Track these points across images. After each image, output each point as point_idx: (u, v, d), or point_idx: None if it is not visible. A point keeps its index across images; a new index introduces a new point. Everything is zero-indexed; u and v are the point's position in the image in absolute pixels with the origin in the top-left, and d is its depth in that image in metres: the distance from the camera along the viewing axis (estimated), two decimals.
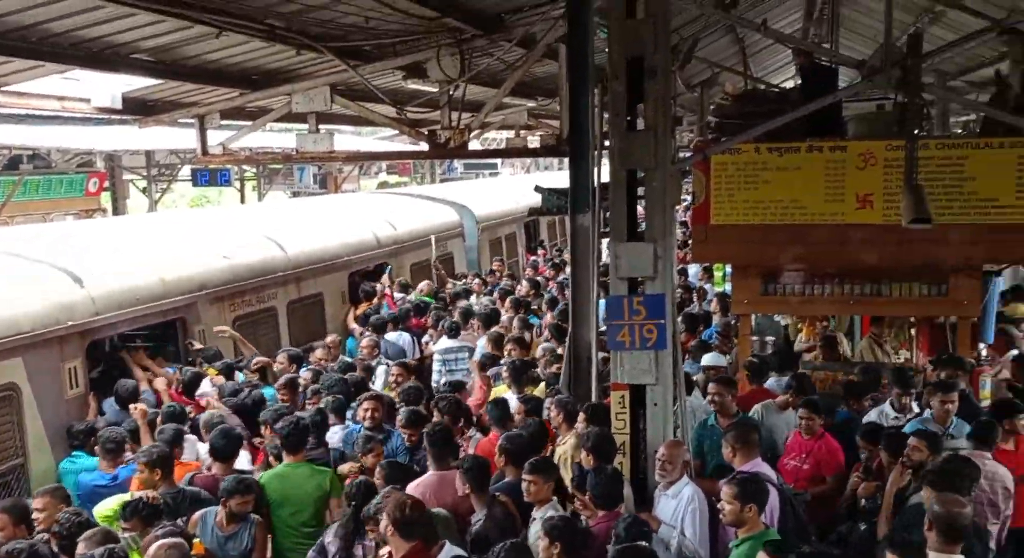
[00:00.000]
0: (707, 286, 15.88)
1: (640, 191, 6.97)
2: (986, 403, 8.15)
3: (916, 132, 7.43)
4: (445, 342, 10.98)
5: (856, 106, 9.24)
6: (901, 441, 6.80)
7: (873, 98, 9.04)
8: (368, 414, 7.91)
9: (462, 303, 13.19)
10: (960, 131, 18.64)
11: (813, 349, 11.13)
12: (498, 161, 47.11)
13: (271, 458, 7.34)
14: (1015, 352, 9.69)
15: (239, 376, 9.44)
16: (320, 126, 9.15)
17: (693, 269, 17.10)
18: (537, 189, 8.46)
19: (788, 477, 7.55)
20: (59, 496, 6.30)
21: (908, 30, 12.76)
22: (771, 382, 9.34)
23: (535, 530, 5.89)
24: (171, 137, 20.48)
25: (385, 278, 13.82)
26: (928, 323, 10.41)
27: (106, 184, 25.35)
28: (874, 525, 6.49)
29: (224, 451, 7.00)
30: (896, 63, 7.00)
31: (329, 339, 10.97)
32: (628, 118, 6.71)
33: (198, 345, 9.75)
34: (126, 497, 6.29)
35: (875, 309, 10.14)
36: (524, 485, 6.17)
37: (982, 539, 5.90)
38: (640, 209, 7.00)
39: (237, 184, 30.77)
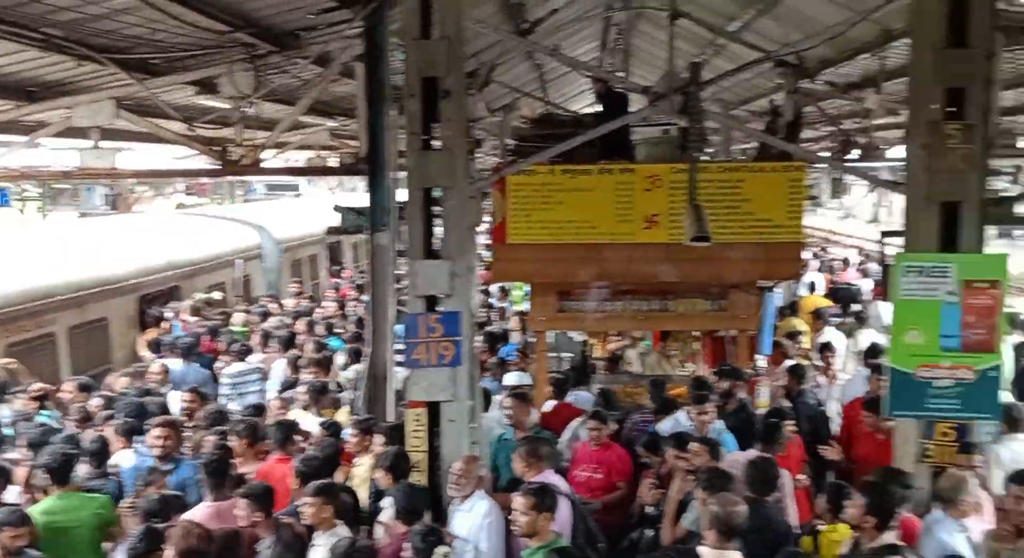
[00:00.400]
0: (506, 305, 16.19)
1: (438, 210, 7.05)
2: (761, 411, 8.68)
3: (697, 155, 7.88)
4: (236, 366, 10.66)
5: (644, 131, 9.72)
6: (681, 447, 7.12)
7: (660, 123, 9.54)
8: (159, 442, 7.47)
9: (264, 325, 12.87)
10: (743, 157, 19.93)
11: (615, 360, 11.61)
12: (301, 182, 46.31)
13: (36, 493, 6.87)
14: (790, 363, 10.38)
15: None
16: (106, 143, 8.72)
17: (495, 288, 17.39)
18: (336, 208, 8.39)
19: (581, 488, 7.77)
20: None
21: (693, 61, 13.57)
22: (571, 397, 9.59)
23: (318, 556, 5.82)
24: None
25: (180, 304, 13.29)
26: (711, 337, 11.03)
27: None
28: (659, 531, 6.77)
29: None
30: (678, 90, 7.43)
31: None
32: (424, 138, 6.77)
33: None
34: None
35: (662, 324, 10.67)
36: (302, 508, 6.08)
37: (789, 538, 6.28)
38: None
39: (18, 204, 28.80)
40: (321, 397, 8.99)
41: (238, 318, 13.48)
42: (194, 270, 14.74)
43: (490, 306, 15.66)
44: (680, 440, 7.13)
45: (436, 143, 6.76)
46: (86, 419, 8.41)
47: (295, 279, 18.16)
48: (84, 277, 11.57)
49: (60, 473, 6.60)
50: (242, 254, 16.89)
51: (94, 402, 8.91)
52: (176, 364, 10.70)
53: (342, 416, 8.64)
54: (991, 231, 7.22)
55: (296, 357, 10.66)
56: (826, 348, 11.04)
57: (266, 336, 11.74)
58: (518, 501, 5.80)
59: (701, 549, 5.24)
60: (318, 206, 24.02)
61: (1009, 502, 5.75)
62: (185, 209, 27.71)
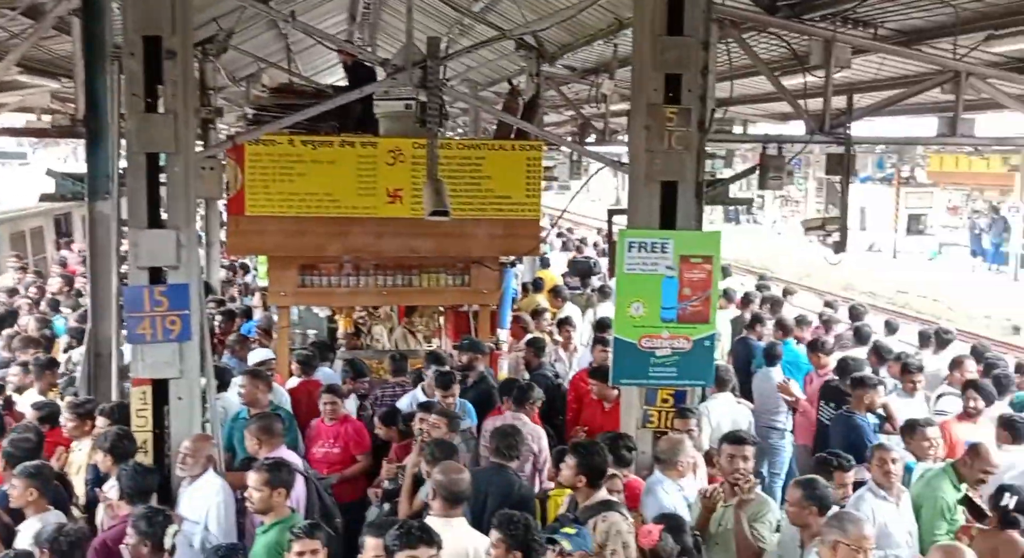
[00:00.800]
0: (249, 279, 15.70)
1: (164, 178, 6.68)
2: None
3: (436, 130, 7.92)
4: None
5: (387, 105, 9.64)
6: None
7: (402, 98, 9.50)
8: None
9: None
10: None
11: (356, 338, 11.50)
12: (28, 151, 42.76)
13: None
14: (529, 336, 10.71)
15: None
16: None
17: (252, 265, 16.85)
18: (49, 172, 7.75)
19: (319, 464, 7.69)
20: None
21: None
22: (320, 373, 9.38)
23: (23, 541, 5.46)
24: None
25: None
26: (454, 311, 11.19)
27: None
28: (395, 504, 6.80)
29: None
30: (417, 63, 7.42)
31: None
32: (148, 100, 6.37)
33: None
34: None
35: (407, 299, 10.71)
36: (9, 491, 5.73)
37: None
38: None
39: None
40: (46, 372, 8.31)
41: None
42: None
43: (232, 282, 15.11)
44: (428, 407, 7.21)
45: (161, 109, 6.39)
46: None
47: (15, 253, 16.72)
48: None
49: None
50: None
51: None
52: None
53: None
54: (718, 214, 7.75)
55: (13, 335, 9.84)
56: (565, 322, 11.47)
57: None
58: (251, 477, 5.68)
59: (429, 518, 5.31)
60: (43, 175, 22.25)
61: (724, 460, 6.19)
62: None
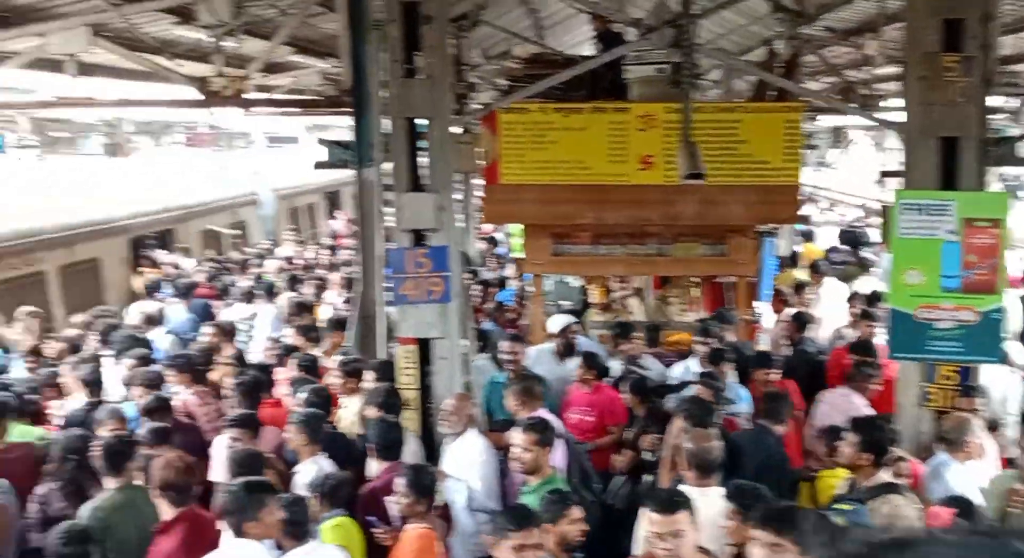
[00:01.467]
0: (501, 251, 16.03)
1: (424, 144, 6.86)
2: None
3: (690, 91, 7.65)
4: (240, 309, 10.57)
5: (638, 70, 9.46)
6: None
7: (653, 62, 9.28)
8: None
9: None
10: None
11: (607, 309, 11.40)
12: (301, 134, 45.92)
13: None
14: (793, 310, 10.22)
15: None
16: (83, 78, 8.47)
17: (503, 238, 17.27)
18: (321, 141, 8.19)
19: (573, 430, 7.65)
20: None
21: None
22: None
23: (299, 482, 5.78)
24: None
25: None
26: (710, 283, 10.85)
27: None
28: (657, 476, 6.64)
29: None
30: (669, 22, 7.19)
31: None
32: (407, 66, 6.56)
33: None
34: None
35: (659, 269, 10.45)
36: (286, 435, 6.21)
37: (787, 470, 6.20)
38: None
39: (15, 152, 28.48)
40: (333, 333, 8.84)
41: (271, 265, 13.35)
42: (188, 214, 14.58)
43: (494, 255, 15.47)
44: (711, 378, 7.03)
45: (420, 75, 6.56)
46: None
47: (292, 226, 18.00)
48: (76, 216, 11.40)
49: None
50: (239, 200, 16.74)
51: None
52: (173, 306, 10.65)
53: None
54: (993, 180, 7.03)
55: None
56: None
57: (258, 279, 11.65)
58: (519, 437, 5.64)
59: (683, 487, 5.12)
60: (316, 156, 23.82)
61: None
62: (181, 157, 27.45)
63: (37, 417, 7.00)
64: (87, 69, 8.27)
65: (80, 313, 10.66)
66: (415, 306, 6.75)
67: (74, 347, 8.85)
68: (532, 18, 17.85)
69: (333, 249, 14.84)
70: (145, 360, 7.91)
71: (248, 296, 10.93)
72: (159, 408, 6.75)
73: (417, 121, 6.67)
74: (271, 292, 10.91)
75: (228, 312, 10.77)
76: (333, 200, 22.12)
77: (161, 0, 7.78)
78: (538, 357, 8.33)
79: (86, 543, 4.83)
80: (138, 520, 5.30)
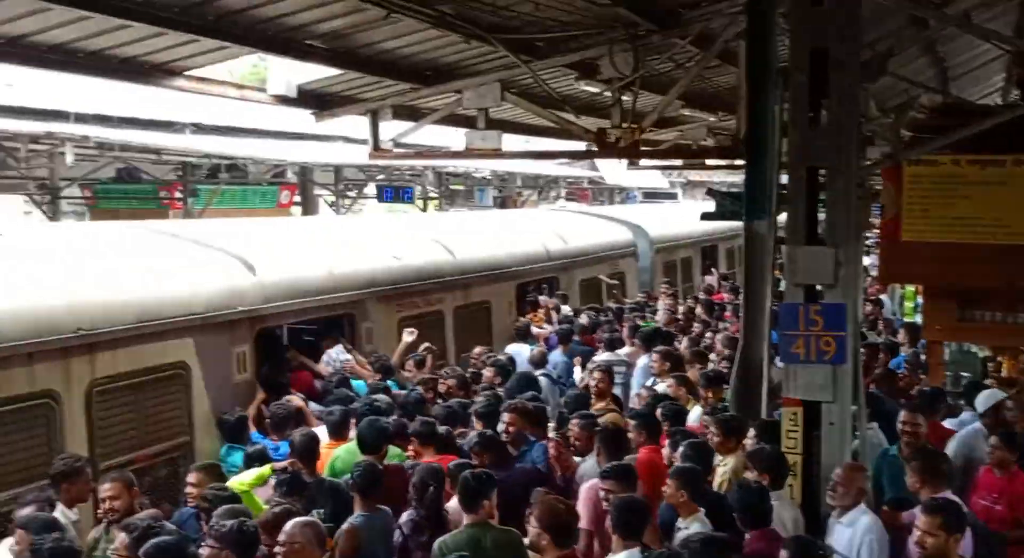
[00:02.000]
0: (891, 315, 14.89)
1: (823, 196, 6.52)
2: None
3: None
4: (603, 356, 10.69)
5: None
6: None
7: None
8: (505, 426, 7.57)
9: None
10: None
11: (1014, 384, 10.11)
12: (678, 192, 46.57)
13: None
14: None
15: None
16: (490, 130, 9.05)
17: (888, 300, 16.15)
18: (710, 192, 8.07)
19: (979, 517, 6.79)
20: (213, 473, 6.37)
21: None
22: (952, 421, 8.42)
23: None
24: (357, 154, 21.15)
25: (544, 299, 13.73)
26: None
27: (296, 197, 26.46)
28: None
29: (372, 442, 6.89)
30: None
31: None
32: (812, 115, 6.28)
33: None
34: (263, 471, 6.30)
35: None
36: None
37: None
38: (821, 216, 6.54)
39: (420, 203, 31.49)
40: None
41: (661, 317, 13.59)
42: (570, 263, 15.11)
43: (887, 322, 14.43)
44: None
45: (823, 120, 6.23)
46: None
47: (666, 280, 18.05)
48: (470, 261, 12.21)
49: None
50: (617, 251, 17.10)
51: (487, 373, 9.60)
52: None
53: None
54: None
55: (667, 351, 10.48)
56: None
57: (634, 329, 11.70)
58: (923, 519, 5.11)
59: None
60: (693, 212, 23.89)
61: None
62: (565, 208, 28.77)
63: (447, 445, 7.35)
64: (492, 124, 8.82)
65: (468, 351, 11.40)
66: (804, 366, 6.34)
67: (463, 383, 9.41)
68: (937, 67, 16.62)
69: (710, 306, 14.59)
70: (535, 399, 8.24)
71: (619, 344, 11.08)
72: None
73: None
74: (648, 340, 10.92)
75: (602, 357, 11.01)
76: (707, 255, 22.00)
77: (567, 56, 8.10)
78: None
79: None
80: None
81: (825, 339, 6.31)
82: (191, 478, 6.31)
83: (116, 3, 5.90)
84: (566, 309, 13.74)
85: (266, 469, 6.43)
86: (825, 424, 6.36)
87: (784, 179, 6.74)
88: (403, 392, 8.85)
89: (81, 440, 6.85)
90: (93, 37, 6.55)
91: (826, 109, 6.22)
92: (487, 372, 9.80)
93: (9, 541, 5.54)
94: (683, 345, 11.06)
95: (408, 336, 9.96)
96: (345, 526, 5.99)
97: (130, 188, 23.20)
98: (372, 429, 6.88)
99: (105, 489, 5.88)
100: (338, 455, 7.13)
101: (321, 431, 7.60)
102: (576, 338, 11.72)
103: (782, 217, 7.17)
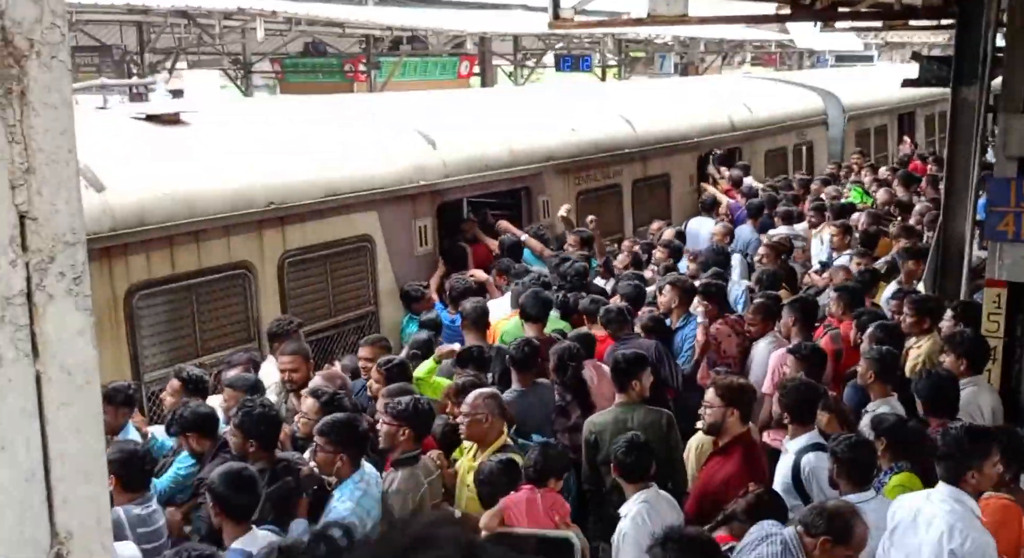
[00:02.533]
0: None
1: None
2: None
3: None
4: (781, 229, 10.45)
5: None
6: None
7: None
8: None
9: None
10: None
11: None
12: (874, 54, 43.57)
13: None
14: None
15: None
16: None
17: None
18: (914, 56, 7.42)
19: None
20: (382, 346, 6.54)
21: None
22: None
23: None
24: (537, 23, 20.82)
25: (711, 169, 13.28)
26: None
27: (476, 68, 26.45)
28: None
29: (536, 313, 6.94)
30: None
31: None
32: None
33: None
34: (431, 364, 6.36)
35: None
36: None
37: None
38: None
39: (599, 71, 30.86)
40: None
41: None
42: (754, 132, 14.51)
43: None
44: None
45: None
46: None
47: (858, 149, 17.07)
48: (650, 133, 11.89)
49: None
50: (806, 119, 16.27)
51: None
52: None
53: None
54: None
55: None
56: None
57: (819, 209, 11.24)
58: None
59: None
60: (890, 76, 22.31)
61: None
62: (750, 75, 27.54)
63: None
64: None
65: (647, 224, 11.26)
66: (1013, 245, 5.88)
67: (636, 261, 9.38)
68: None
69: (908, 178, 13.69)
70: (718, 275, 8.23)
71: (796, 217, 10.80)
72: None
73: None
74: (836, 213, 10.48)
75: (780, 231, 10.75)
76: (904, 122, 20.59)
77: None
78: None
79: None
80: None
81: None
82: (362, 352, 6.49)
83: None
84: (749, 180, 13.26)
85: (431, 363, 6.45)
86: None
87: (1000, 41, 6.11)
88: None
89: (275, 308, 7.24)
90: None
91: None
92: (658, 252, 9.65)
93: (218, 398, 5.98)
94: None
95: (563, 211, 9.75)
96: (505, 394, 6.07)
97: (317, 62, 23.81)
98: (536, 300, 6.92)
99: (285, 361, 6.15)
100: (506, 329, 7.24)
101: (502, 302, 7.76)
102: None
103: (995, 83, 6.56)
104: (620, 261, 9.45)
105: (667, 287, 7.53)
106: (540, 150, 10.07)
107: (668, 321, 7.38)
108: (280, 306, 7.26)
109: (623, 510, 4.74)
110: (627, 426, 5.43)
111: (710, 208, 11.62)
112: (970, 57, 7.02)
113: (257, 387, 5.83)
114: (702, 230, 10.82)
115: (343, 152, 8.09)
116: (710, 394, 5.22)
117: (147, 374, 6.41)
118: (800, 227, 10.94)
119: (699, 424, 5.50)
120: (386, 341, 6.76)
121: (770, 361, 6.50)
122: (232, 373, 6.10)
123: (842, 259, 9.05)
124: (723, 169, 13.43)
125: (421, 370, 6.26)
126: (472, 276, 8.37)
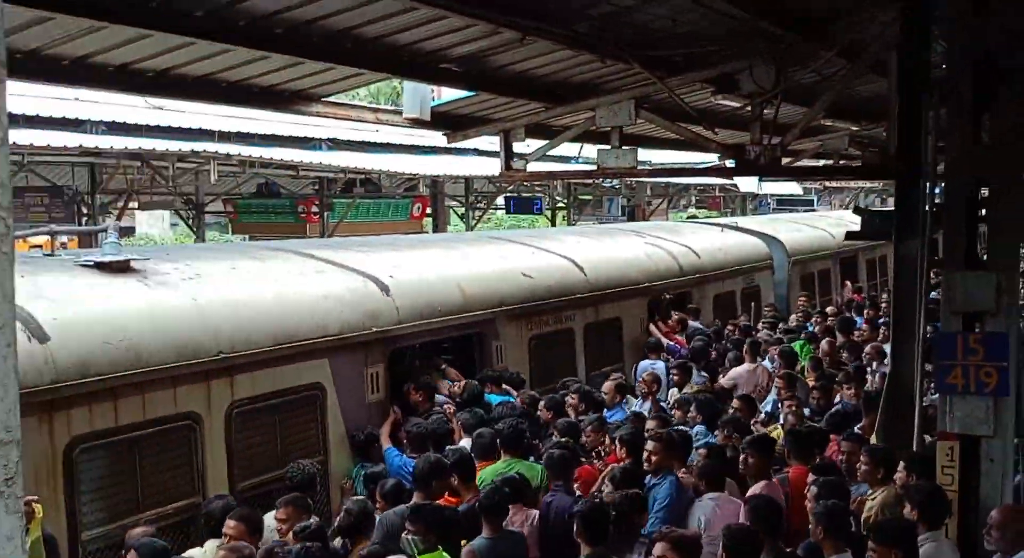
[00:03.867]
0: None
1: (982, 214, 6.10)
2: None
3: None
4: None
5: None
6: None
7: None
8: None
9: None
10: None
11: None
12: (814, 198, 45.09)
13: None
14: None
15: None
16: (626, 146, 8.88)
17: None
18: (856, 210, 7.66)
19: None
20: (298, 507, 6.26)
21: None
22: None
23: None
24: (488, 166, 21.29)
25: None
26: None
27: (428, 209, 26.80)
28: None
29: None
30: None
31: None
32: (975, 129, 5.87)
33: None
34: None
35: None
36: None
37: None
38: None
39: (548, 213, 31.46)
40: None
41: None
42: (703, 278, 14.75)
43: None
44: None
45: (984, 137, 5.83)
46: None
47: (804, 293, 17.42)
48: (601, 277, 12.02)
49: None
50: (752, 264, 16.62)
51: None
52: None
53: None
54: None
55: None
56: None
57: (755, 346, 11.42)
58: None
59: None
60: (832, 221, 23.03)
61: None
62: (696, 220, 28.23)
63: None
64: (626, 139, 8.63)
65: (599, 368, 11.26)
66: (963, 398, 5.94)
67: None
68: None
69: (846, 323, 13.89)
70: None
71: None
72: None
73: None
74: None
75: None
76: (847, 265, 21.17)
77: (705, 71, 7.85)
78: None
79: None
80: None
81: (986, 370, 5.93)
82: (279, 514, 6.20)
83: (257, 35, 6.01)
84: (695, 324, 13.42)
85: None
86: (984, 461, 5.95)
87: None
88: None
89: (221, 460, 6.99)
90: (235, 68, 6.71)
91: (991, 121, 5.81)
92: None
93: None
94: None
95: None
96: (466, 548, 5.97)
97: (269, 203, 23.95)
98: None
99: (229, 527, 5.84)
100: (483, 478, 7.09)
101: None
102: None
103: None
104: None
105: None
106: (493, 295, 10.09)
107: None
108: (227, 458, 7.02)
109: None
110: None
111: (654, 350, 11.70)
112: (911, 212, 7.27)
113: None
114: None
115: (294, 298, 8.01)
116: (663, 548, 5.10)
117: (85, 532, 6.09)
118: (743, 369, 11.06)
119: None
120: (304, 500, 6.42)
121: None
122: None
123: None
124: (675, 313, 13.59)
125: None
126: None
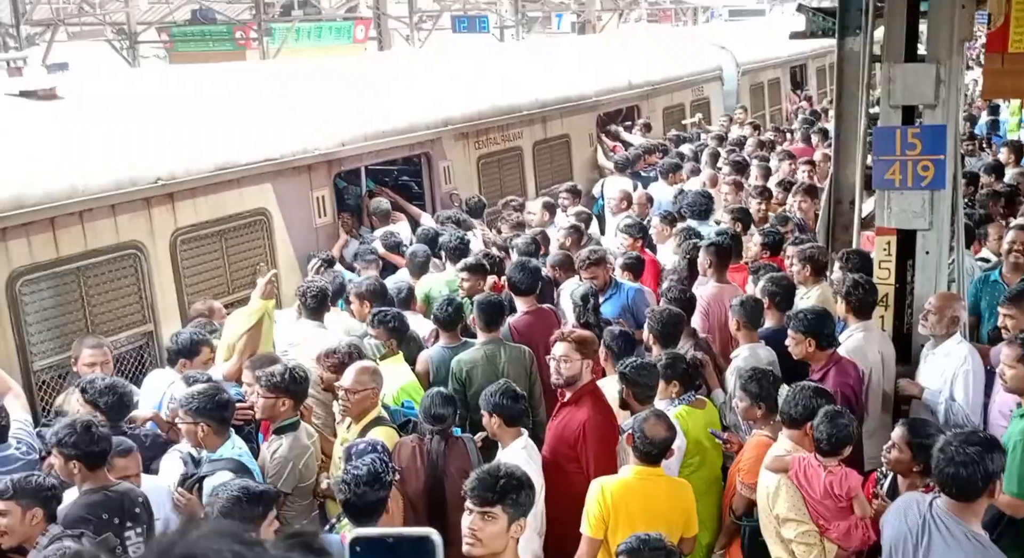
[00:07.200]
0: (995, 138, 14.09)
1: (923, 7, 6.02)
2: None
3: None
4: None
5: None
6: None
7: None
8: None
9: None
10: None
11: None
12: (766, 8, 44.20)
13: None
14: None
15: None
16: None
17: (982, 120, 15.29)
18: (800, 8, 7.52)
19: None
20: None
21: None
22: None
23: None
24: None
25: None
26: None
27: (372, 32, 25.96)
28: None
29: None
30: None
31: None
32: None
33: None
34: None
35: None
36: None
37: None
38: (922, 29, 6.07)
39: (496, 32, 30.60)
40: None
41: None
42: (652, 90, 14.58)
43: (971, 136, 13.69)
44: None
45: None
46: None
47: (741, 106, 17.25)
48: (548, 95, 11.83)
49: None
50: (702, 76, 16.43)
51: None
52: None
53: None
54: None
55: None
56: None
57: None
58: (1007, 352, 4.91)
59: None
60: (782, 29, 22.64)
61: None
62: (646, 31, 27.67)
63: None
64: None
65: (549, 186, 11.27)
66: (900, 193, 6.04)
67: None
68: None
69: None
70: None
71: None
72: None
73: None
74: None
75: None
76: (797, 74, 21.01)
77: None
78: None
79: None
80: None
81: (923, 163, 5.98)
82: (246, 376, 5.83)
83: None
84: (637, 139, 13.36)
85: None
86: (920, 253, 6.11)
87: None
88: None
89: (169, 287, 6.99)
90: None
91: None
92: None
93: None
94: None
95: None
96: (421, 355, 6.34)
97: (206, 30, 23.05)
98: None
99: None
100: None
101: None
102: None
103: (878, 33, 6.69)
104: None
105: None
106: (438, 115, 9.92)
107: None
108: (175, 285, 7.03)
109: (502, 456, 4.72)
110: (495, 361, 5.92)
111: (623, 167, 11.59)
112: (854, 7, 7.16)
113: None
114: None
115: (235, 124, 7.82)
116: (565, 348, 5.21)
117: (36, 362, 6.14)
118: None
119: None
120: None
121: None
122: None
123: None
124: (623, 129, 13.52)
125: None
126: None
